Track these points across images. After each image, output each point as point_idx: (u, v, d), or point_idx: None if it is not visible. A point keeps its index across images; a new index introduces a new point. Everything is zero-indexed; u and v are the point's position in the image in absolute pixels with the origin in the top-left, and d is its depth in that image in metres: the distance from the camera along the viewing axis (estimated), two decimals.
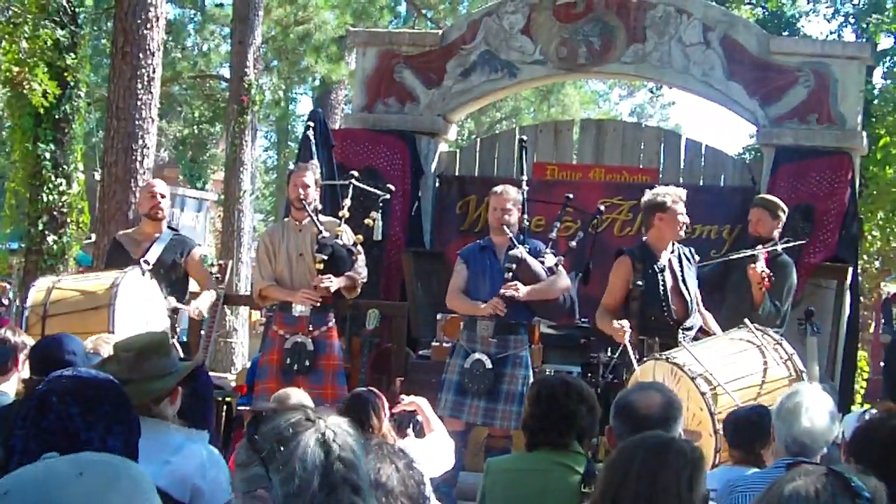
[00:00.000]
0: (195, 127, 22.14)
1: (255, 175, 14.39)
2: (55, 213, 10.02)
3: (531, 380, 5.53)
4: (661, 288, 5.44)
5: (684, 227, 5.59)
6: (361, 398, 3.92)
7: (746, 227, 6.56)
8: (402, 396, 4.55)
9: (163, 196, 6.33)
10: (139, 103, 8.31)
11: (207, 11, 19.91)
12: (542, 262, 5.76)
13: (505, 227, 5.81)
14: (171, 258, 6.23)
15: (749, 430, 3.96)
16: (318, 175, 6.21)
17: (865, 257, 12.05)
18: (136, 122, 8.30)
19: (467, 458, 5.83)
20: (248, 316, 14.41)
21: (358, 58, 9.32)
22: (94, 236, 9.27)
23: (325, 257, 5.85)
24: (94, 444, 2.04)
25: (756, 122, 8.25)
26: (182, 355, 5.75)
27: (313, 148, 7.43)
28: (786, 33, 14.20)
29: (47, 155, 9.91)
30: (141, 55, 8.30)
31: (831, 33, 15.09)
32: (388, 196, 6.73)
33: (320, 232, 5.91)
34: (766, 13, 15.17)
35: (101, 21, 15.86)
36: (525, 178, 6.45)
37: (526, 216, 6.14)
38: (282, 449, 1.67)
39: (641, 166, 8.66)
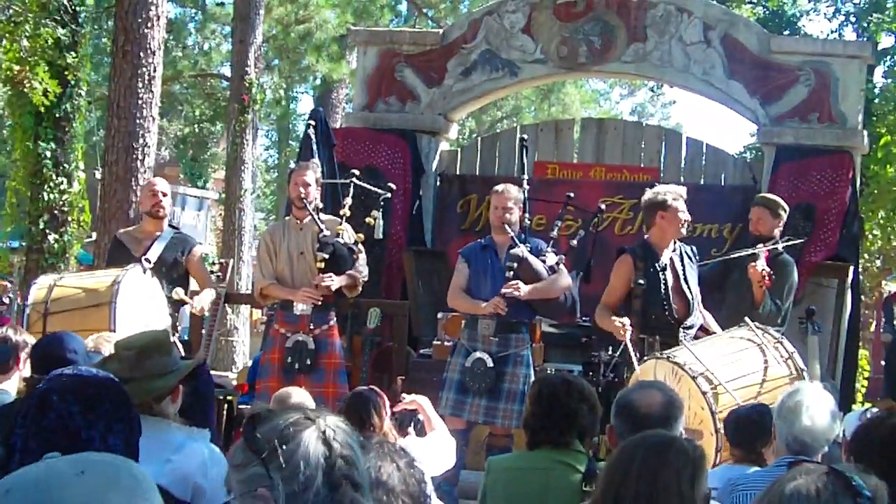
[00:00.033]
0: (196, 126, 22.17)
1: (255, 174, 14.39)
2: (56, 211, 10.03)
3: (532, 378, 5.53)
4: (663, 287, 5.43)
5: (686, 225, 5.58)
6: (362, 397, 3.92)
7: (747, 225, 6.55)
8: (404, 395, 4.55)
9: (164, 194, 6.32)
10: (140, 102, 8.32)
11: (208, 10, 19.93)
12: (544, 261, 5.76)
13: (506, 226, 5.80)
14: (172, 256, 6.22)
15: (750, 428, 3.96)
16: (318, 174, 6.21)
17: (866, 256, 12.05)
18: (137, 121, 8.31)
19: (468, 457, 5.83)
20: (250, 315, 14.43)
21: (359, 57, 9.31)
22: (94, 235, 9.28)
23: (326, 256, 5.84)
24: (95, 443, 2.04)
25: (757, 120, 8.24)
26: (183, 354, 5.75)
27: (314, 147, 7.43)
28: (787, 32, 14.24)
29: (48, 154, 9.92)
30: (142, 54, 8.31)
31: (832, 32, 15.13)
32: (389, 195, 6.73)
33: (321, 231, 5.90)
34: (767, 12, 15.19)
35: (102, 20, 15.89)
36: (526, 176, 6.45)
37: (527, 215, 6.14)
38: (283, 447, 1.67)
39: (642, 165, 8.65)
